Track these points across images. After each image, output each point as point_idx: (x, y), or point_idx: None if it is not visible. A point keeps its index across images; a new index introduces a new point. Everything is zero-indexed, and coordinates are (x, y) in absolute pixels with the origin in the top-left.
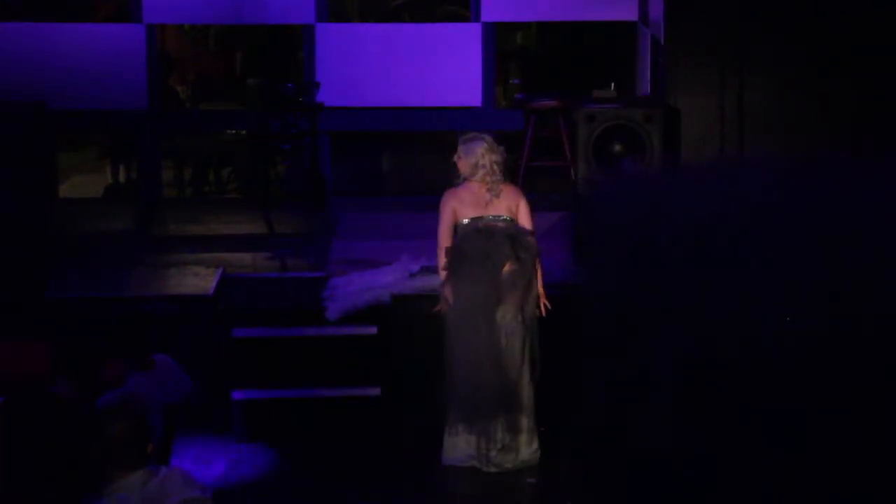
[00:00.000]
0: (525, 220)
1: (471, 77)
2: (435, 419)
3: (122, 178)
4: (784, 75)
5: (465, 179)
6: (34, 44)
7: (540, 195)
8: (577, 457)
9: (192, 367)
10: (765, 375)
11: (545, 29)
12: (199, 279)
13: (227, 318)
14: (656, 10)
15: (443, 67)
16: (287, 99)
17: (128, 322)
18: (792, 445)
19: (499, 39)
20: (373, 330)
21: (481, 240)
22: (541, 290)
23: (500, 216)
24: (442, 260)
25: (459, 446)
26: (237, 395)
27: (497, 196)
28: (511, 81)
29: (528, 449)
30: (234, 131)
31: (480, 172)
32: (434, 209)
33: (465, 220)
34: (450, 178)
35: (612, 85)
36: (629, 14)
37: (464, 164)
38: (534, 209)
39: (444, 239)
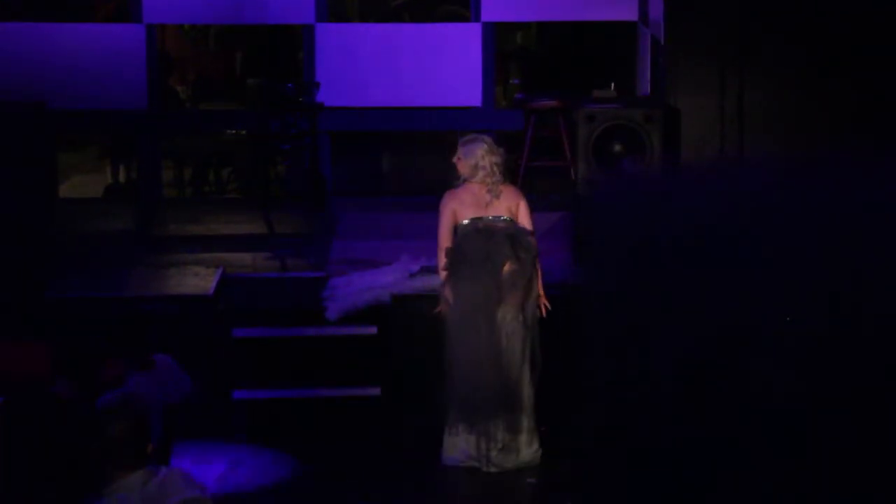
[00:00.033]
0: (525, 221)
1: (471, 77)
2: (435, 419)
3: (122, 178)
4: (784, 75)
5: (465, 181)
6: (34, 44)
7: (540, 195)
8: (577, 457)
9: (192, 367)
10: (765, 375)
11: (545, 29)
12: (199, 279)
13: (227, 318)
14: (656, 10)
15: (443, 67)
16: (287, 99)
17: (128, 322)
18: (792, 445)
19: (499, 39)
20: (373, 330)
21: (481, 240)
22: (541, 290)
23: (500, 217)
24: (442, 261)
25: (459, 446)
26: (237, 395)
27: (497, 197)
28: (511, 81)
29: (528, 449)
30: (234, 131)
31: (480, 174)
32: (434, 209)
33: (465, 221)
34: (450, 178)
35: (612, 85)
36: (629, 14)
37: (464, 165)
38: (534, 209)
39: (444, 241)
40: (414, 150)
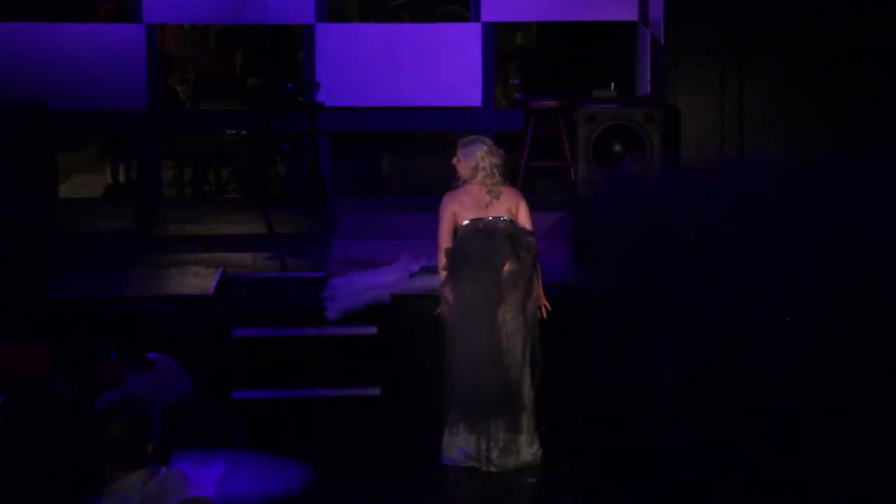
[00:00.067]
0: (525, 222)
1: (471, 77)
2: (435, 419)
3: (122, 178)
4: (784, 75)
5: (465, 182)
6: (34, 44)
7: (540, 195)
8: (577, 457)
9: (192, 367)
10: (765, 375)
11: (545, 29)
12: (199, 279)
13: (227, 318)
14: (656, 10)
15: (443, 67)
16: (287, 99)
17: (128, 322)
18: (792, 445)
19: (499, 39)
20: (373, 330)
21: (481, 240)
22: (541, 291)
23: (500, 218)
24: (442, 262)
25: (459, 446)
26: (237, 395)
27: (497, 198)
28: (511, 81)
29: (529, 449)
30: (234, 131)
31: (480, 175)
32: (434, 209)
33: (466, 222)
34: (450, 179)
35: (612, 85)
36: (629, 14)
37: (463, 166)
38: (534, 209)
39: (444, 242)
40: (414, 150)
